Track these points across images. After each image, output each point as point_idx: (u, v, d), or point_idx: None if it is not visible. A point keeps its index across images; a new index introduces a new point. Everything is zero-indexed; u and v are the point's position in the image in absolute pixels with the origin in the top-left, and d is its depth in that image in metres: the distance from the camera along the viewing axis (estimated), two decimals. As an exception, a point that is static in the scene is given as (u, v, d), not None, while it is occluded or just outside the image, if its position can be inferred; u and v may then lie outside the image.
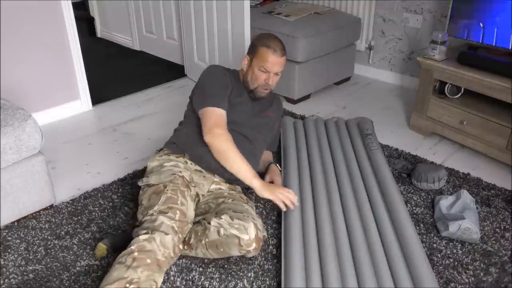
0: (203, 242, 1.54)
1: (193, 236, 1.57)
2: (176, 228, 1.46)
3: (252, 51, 1.81)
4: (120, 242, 1.62)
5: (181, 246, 1.47)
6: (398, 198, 1.81)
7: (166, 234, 1.42)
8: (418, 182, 2.04)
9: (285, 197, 1.66)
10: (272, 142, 2.09)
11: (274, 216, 1.87)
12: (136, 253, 1.34)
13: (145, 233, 1.41)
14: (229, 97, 1.80)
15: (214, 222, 1.52)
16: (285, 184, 1.89)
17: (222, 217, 1.52)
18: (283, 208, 1.68)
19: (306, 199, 1.79)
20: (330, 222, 1.68)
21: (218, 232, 1.50)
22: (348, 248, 1.56)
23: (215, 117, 1.69)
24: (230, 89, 1.81)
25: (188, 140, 1.80)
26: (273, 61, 1.77)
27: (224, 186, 1.79)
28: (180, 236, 1.48)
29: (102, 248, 1.63)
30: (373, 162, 2.06)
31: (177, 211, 1.51)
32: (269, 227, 1.81)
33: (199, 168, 1.77)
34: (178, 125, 1.94)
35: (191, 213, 1.59)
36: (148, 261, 1.34)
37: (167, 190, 1.57)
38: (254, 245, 1.49)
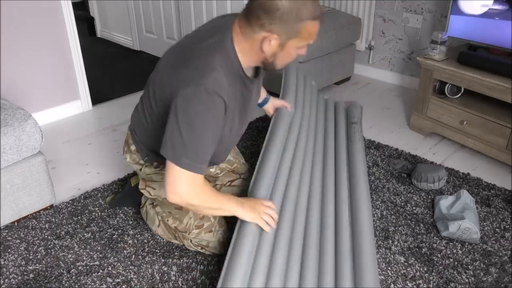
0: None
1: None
2: (221, 239, 1.62)
3: (290, 30, 1.21)
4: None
5: (227, 236, 1.63)
6: (365, 197, 1.66)
7: (216, 248, 1.62)
8: (418, 182, 2.04)
9: (268, 218, 1.40)
10: None
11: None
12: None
13: (196, 246, 1.64)
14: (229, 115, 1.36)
15: None
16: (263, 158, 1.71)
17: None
18: (268, 230, 1.39)
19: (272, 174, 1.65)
20: (287, 209, 1.56)
21: None
22: (301, 244, 1.46)
23: (190, 182, 1.26)
24: (223, 121, 1.33)
25: None
26: (317, 31, 1.27)
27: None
28: (223, 233, 1.63)
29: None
30: (350, 154, 1.95)
31: (209, 215, 1.60)
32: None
33: None
34: (146, 127, 1.49)
35: None
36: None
37: None
38: None
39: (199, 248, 1.64)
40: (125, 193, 1.92)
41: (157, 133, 1.36)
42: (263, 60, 1.30)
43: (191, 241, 1.63)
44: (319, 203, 1.67)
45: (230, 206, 1.38)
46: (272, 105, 1.97)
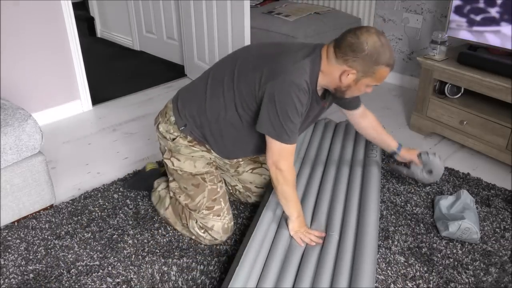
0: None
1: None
2: (226, 225, 1.68)
3: (367, 69, 1.40)
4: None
5: (232, 224, 1.72)
6: (374, 214, 1.63)
7: (218, 233, 1.68)
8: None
9: (305, 237, 1.55)
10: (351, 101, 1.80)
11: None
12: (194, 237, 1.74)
13: (200, 228, 1.69)
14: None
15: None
16: None
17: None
18: (301, 244, 1.54)
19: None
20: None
21: None
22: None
23: (285, 153, 1.51)
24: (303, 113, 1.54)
25: (225, 143, 1.66)
26: (386, 77, 1.48)
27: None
28: (229, 220, 1.70)
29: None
30: (365, 169, 1.92)
31: (221, 200, 1.70)
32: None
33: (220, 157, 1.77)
34: (206, 112, 1.62)
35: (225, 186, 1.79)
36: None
37: (206, 182, 1.68)
38: None
39: (202, 231, 1.67)
40: (140, 177, 2.04)
41: (225, 107, 1.57)
42: (336, 87, 1.49)
43: (196, 222, 1.68)
44: (328, 206, 1.70)
45: (293, 209, 1.55)
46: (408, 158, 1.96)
